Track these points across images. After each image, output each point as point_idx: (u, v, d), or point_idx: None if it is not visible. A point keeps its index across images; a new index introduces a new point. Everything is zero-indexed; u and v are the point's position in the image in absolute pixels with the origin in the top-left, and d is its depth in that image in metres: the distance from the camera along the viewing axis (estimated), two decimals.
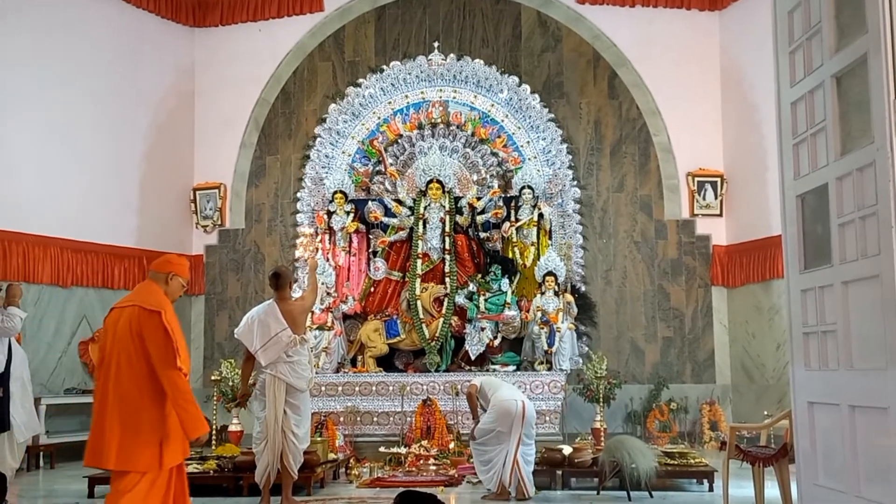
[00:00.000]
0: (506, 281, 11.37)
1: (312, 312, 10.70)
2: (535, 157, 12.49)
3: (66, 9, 11.93)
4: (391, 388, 10.76)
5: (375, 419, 10.74)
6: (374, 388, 10.81)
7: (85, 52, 12.13)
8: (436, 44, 12.89)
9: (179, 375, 4.72)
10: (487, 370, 10.99)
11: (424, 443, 9.88)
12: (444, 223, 11.91)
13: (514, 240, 11.86)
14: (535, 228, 11.90)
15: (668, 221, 12.85)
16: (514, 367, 11.03)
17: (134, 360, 4.72)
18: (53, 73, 11.65)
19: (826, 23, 4.81)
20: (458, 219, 11.99)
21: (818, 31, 4.91)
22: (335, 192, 12.17)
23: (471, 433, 8.04)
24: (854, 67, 4.57)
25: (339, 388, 10.78)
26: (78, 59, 12.01)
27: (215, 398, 11.05)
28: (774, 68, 5.49)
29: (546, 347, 10.91)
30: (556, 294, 11.27)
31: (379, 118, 12.85)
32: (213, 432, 11.03)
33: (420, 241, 11.88)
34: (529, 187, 11.95)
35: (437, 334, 11.31)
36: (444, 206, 11.97)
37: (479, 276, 11.65)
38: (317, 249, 11.85)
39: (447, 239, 11.85)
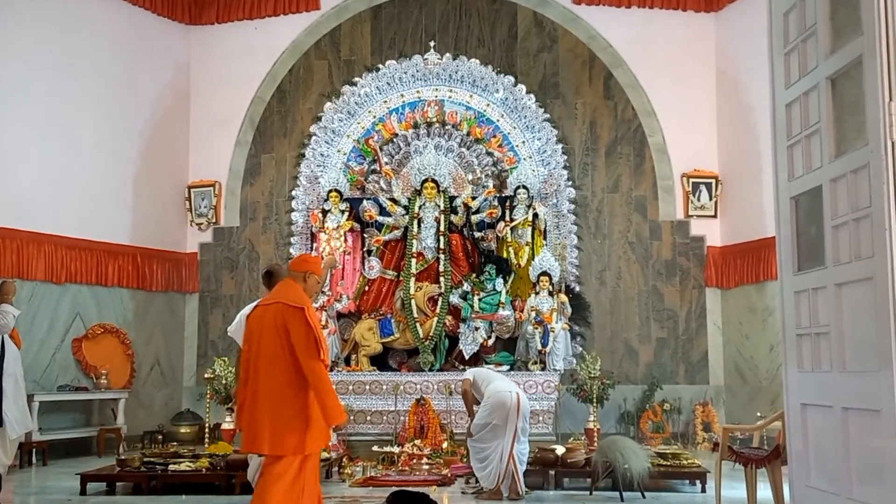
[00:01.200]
0: (500, 281, 11.37)
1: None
2: (531, 157, 12.49)
3: (63, 5, 11.91)
4: (385, 387, 10.76)
5: (369, 418, 10.74)
6: (367, 387, 10.80)
7: (81, 48, 12.11)
8: (432, 43, 12.89)
9: (321, 366, 5.10)
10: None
11: (418, 442, 9.87)
12: (438, 222, 11.91)
13: (509, 239, 11.85)
14: (529, 228, 11.89)
15: (663, 222, 12.86)
16: (508, 367, 11.03)
17: (280, 353, 5.10)
18: (49, 70, 11.63)
19: (821, 24, 4.82)
20: (453, 218, 11.99)
21: (813, 33, 4.92)
22: (330, 191, 12.16)
23: (467, 430, 8.01)
24: (849, 69, 4.57)
25: (333, 387, 10.75)
26: (74, 55, 11.99)
27: (208, 396, 11.03)
28: (769, 70, 5.50)
29: (540, 347, 10.92)
30: (551, 294, 11.27)
31: (374, 117, 12.84)
32: (207, 430, 11.03)
33: (415, 241, 11.87)
34: (524, 187, 11.94)
35: (431, 333, 11.31)
36: (438, 206, 11.96)
37: (474, 275, 11.65)
38: (337, 249, 11.70)
39: (442, 238, 11.84)
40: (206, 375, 11.15)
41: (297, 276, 5.49)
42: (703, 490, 8.15)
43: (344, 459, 9.57)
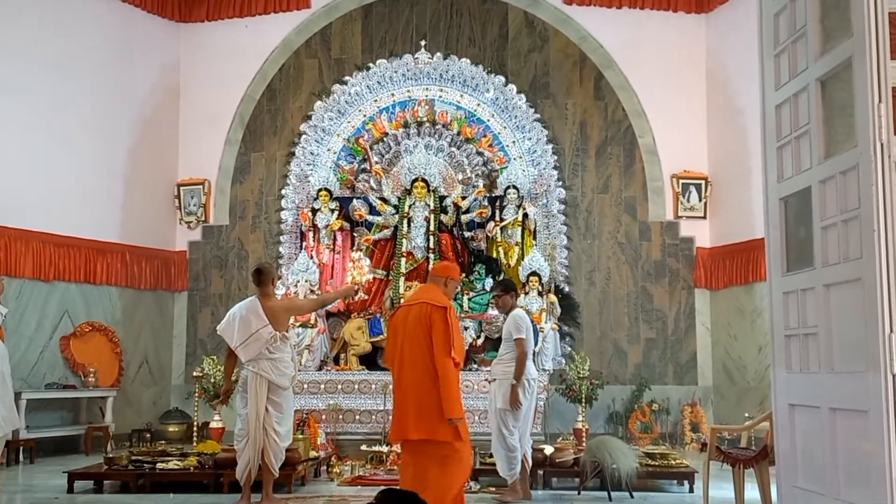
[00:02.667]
0: (490, 280, 11.38)
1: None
2: (521, 157, 12.51)
3: (53, 2, 11.85)
4: (374, 386, 10.74)
5: (357, 417, 10.72)
6: (356, 387, 10.79)
7: (70, 45, 12.05)
8: (422, 42, 12.89)
9: (450, 362, 5.51)
10: (470, 369, 10.97)
11: None
12: (428, 222, 11.91)
13: (499, 239, 11.86)
14: (519, 228, 11.91)
15: (653, 223, 12.88)
16: None
17: (424, 348, 5.54)
18: (38, 67, 11.57)
19: (811, 26, 4.83)
20: (443, 218, 11.99)
21: (803, 35, 4.93)
22: (320, 190, 12.15)
23: (513, 399, 7.41)
24: (839, 71, 4.58)
25: (322, 386, 10.76)
26: (63, 52, 11.93)
27: (197, 395, 11.00)
28: (759, 71, 5.51)
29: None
30: (540, 294, 11.28)
31: (365, 116, 12.84)
32: (195, 429, 11.00)
33: (404, 240, 11.87)
34: (514, 187, 11.95)
35: None
36: (428, 205, 11.96)
37: (463, 275, 11.64)
38: (362, 283, 11.08)
39: (431, 238, 11.84)
40: (194, 374, 11.12)
41: (439, 281, 5.96)
42: (691, 490, 8.16)
43: (332, 458, 9.56)
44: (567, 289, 12.17)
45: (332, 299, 7.80)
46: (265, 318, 7.10)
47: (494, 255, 11.79)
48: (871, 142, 4.20)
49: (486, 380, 8.38)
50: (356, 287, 9.77)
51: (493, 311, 11.17)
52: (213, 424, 10.95)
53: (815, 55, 4.80)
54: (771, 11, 5.36)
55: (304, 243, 12.18)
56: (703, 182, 12.82)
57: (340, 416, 10.63)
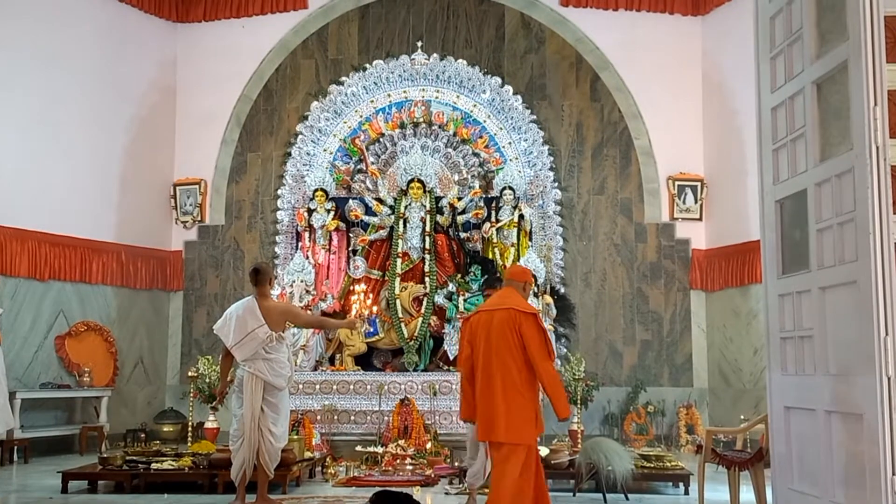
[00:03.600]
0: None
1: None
2: (517, 159, 12.52)
3: (49, 1, 11.82)
4: (369, 387, 10.72)
5: (353, 418, 10.70)
6: (351, 387, 10.77)
7: (67, 43, 12.04)
8: (419, 43, 12.90)
9: (552, 366, 5.66)
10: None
11: (401, 442, 9.85)
12: (424, 223, 11.91)
13: (495, 240, 11.87)
14: (515, 229, 11.91)
15: (648, 225, 12.89)
16: None
17: (514, 352, 5.61)
18: (34, 65, 11.55)
19: (807, 29, 4.84)
20: (439, 218, 11.98)
21: (799, 38, 4.94)
22: (316, 190, 12.14)
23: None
24: (834, 74, 4.59)
25: (317, 387, 10.74)
26: (60, 50, 11.92)
27: (192, 394, 10.99)
28: (755, 74, 5.52)
29: None
30: (536, 295, 11.27)
31: (361, 117, 12.85)
32: (190, 429, 10.99)
33: (400, 241, 11.87)
34: (510, 188, 11.96)
35: (415, 334, 11.31)
36: (424, 206, 11.96)
37: (459, 276, 11.65)
38: (366, 317, 10.98)
39: (427, 238, 11.84)
40: (189, 374, 11.11)
41: (517, 285, 5.99)
42: (687, 492, 8.16)
43: (327, 459, 9.55)
44: (563, 290, 12.17)
45: (331, 326, 7.73)
46: (261, 318, 7.08)
47: (490, 256, 11.78)
48: (867, 145, 4.21)
49: None
50: (359, 321, 9.77)
51: None
52: (208, 424, 10.93)
53: (810, 58, 4.81)
54: (767, 14, 5.38)
55: (300, 243, 12.18)
56: (698, 184, 12.83)
57: (336, 417, 10.62)
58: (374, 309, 10.78)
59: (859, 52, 4.27)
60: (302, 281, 11.45)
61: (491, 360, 5.67)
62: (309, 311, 11.34)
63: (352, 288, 11.17)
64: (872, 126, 4.20)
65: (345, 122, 12.86)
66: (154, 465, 8.38)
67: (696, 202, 12.83)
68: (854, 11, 4.32)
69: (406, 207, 11.98)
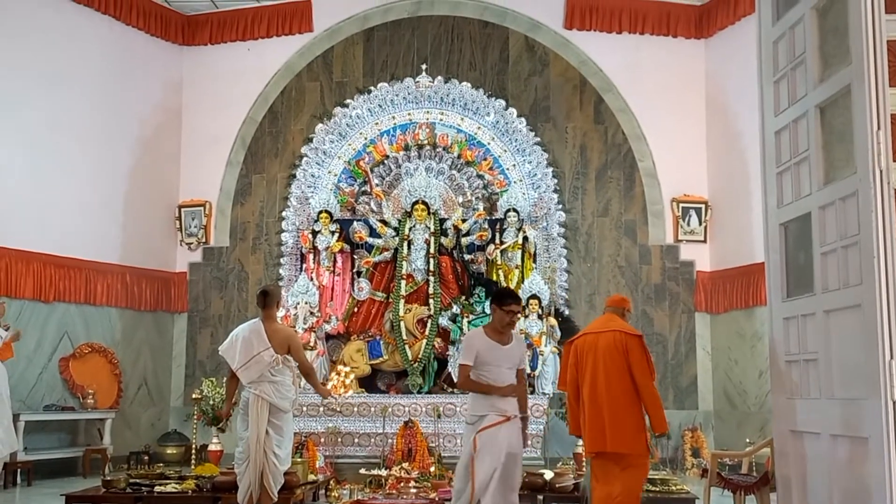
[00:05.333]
0: (489, 303, 11.34)
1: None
2: (521, 181, 12.54)
3: (55, 23, 11.92)
4: (373, 409, 10.69)
5: (356, 440, 10.67)
6: (355, 409, 10.75)
7: (73, 65, 12.11)
8: (423, 66, 12.95)
9: (653, 385, 6.14)
10: (466, 393, 10.91)
11: (405, 465, 9.82)
12: (428, 244, 11.91)
13: (499, 262, 11.86)
14: (519, 251, 11.91)
15: (652, 246, 12.89)
16: None
17: (621, 371, 6.08)
18: (40, 86, 11.62)
19: (810, 53, 4.85)
20: (443, 240, 11.99)
21: (802, 62, 4.95)
22: (320, 212, 12.16)
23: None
24: (837, 98, 4.60)
25: (321, 409, 10.72)
26: (66, 72, 11.99)
27: (195, 417, 10.96)
28: (759, 97, 5.53)
29: (529, 371, 10.89)
30: (540, 317, 11.27)
31: (366, 139, 12.88)
32: (193, 451, 10.96)
33: (404, 262, 11.87)
34: (514, 210, 11.97)
35: (419, 356, 11.29)
36: (429, 228, 11.97)
37: (463, 297, 11.64)
38: (338, 397, 10.73)
39: (431, 260, 11.84)
40: (193, 396, 11.07)
41: (618, 311, 6.52)
42: None
43: (331, 482, 9.52)
44: (567, 312, 12.16)
45: (312, 383, 7.65)
46: (267, 341, 7.09)
47: (494, 277, 11.78)
48: (871, 168, 4.21)
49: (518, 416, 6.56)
50: (333, 398, 9.87)
51: None
52: (212, 447, 10.88)
53: (814, 82, 4.83)
54: (770, 38, 5.39)
55: (305, 265, 12.18)
56: (702, 206, 12.84)
57: (339, 440, 10.60)
58: (350, 393, 10.84)
59: (862, 76, 4.28)
60: (306, 303, 11.45)
61: (597, 379, 6.13)
62: (313, 333, 11.35)
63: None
64: (876, 150, 4.20)
65: (349, 145, 12.90)
66: (157, 488, 8.35)
67: (700, 224, 12.83)
68: (857, 36, 4.34)
69: (410, 229, 11.99)
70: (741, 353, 12.13)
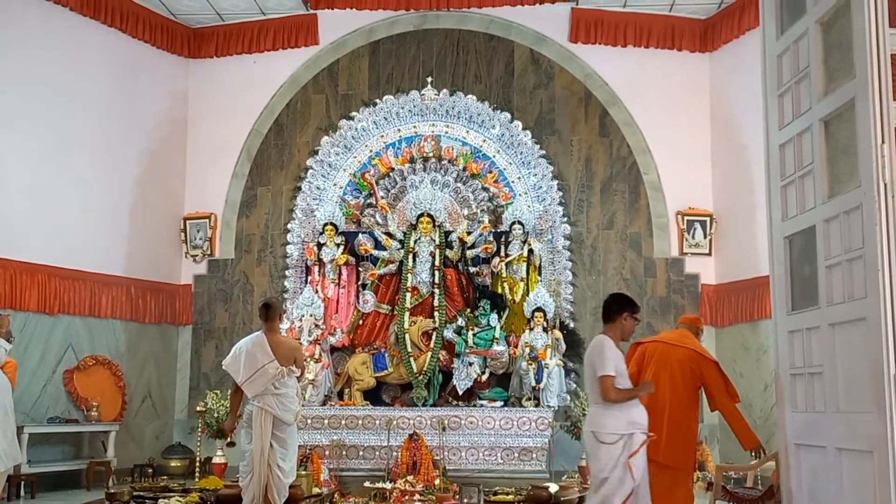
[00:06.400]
0: (494, 316, 11.34)
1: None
2: (526, 193, 12.54)
3: (63, 34, 11.94)
4: (378, 421, 10.68)
5: (361, 453, 10.65)
6: (360, 422, 10.73)
7: (79, 77, 12.14)
8: (429, 79, 12.97)
9: (735, 405, 6.45)
10: (475, 405, 10.94)
11: (410, 478, 9.79)
12: (433, 257, 11.91)
13: (504, 275, 11.86)
14: (524, 264, 11.90)
15: (658, 259, 12.87)
16: (502, 403, 10.98)
17: (688, 385, 6.38)
18: (46, 97, 11.64)
19: (814, 67, 4.87)
20: (448, 253, 11.99)
21: (806, 76, 4.96)
22: (325, 224, 12.17)
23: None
24: (842, 111, 4.61)
25: (325, 421, 10.71)
26: (72, 84, 12.02)
27: (200, 429, 10.96)
28: (763, 111, 5.54)
29: (534, 384, 10.87)
30: (545, 330, 11.25)
31: (371, 151, 12.90)
32: (197, 464, 10.95)
33: (409, 275, 11.87)
34: (520, 223, 11.97)
35: (424, 368, 11.27)
36: (434, 240, 11.97)
37: (468, 310, 11.63)
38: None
39: (437, 273, 11.84)
40: (197, 408, 11.09)
41: (692, 329, 6.78)
42: None
43: (335, 495, 9.50)
44: (572, 325, 12.13)
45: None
46: (271, 354, 7.10)
47: (499, 290, 11.77)
48: (875, 182, 4.21)
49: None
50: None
51: (498, 347, 11.13)
52: (216, 460, 10.89)
53: (818, 96, 4.84)
54: (774, 52, 5.41)
55: (310, 278, 12.18)
56: (707, 219, 12.83)
57: (344, 452, 10.58)
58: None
59: (866, 89, 4.29)
60: (311, 315, 11.44)
61: (663, 389, 6.27)
62: (318, 345, 11.35)
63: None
64: (880, 163, 4.21)
65: (355, 157, 12.91)
66: (161, 501, 8.36)
67: (705, 237, 12.83)
68: (861, 50, 4.35)
69: (415, 242, 12.00)
70: (746, 366, 12.09)
